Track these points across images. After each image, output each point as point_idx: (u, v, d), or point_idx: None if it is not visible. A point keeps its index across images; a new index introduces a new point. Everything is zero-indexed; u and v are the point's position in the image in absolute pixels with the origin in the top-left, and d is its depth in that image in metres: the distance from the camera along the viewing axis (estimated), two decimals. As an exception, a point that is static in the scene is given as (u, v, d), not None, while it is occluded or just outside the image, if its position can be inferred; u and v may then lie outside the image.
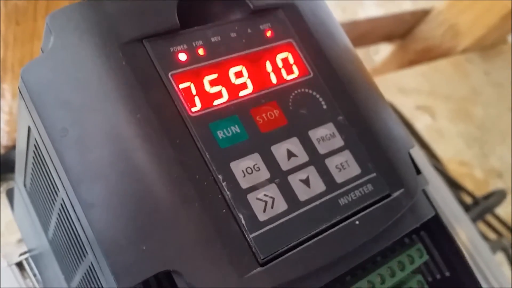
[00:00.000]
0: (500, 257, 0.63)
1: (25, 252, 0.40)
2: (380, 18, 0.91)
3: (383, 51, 1.04)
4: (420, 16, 0.94)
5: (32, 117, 0.22)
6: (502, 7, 0.86)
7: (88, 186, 0.21)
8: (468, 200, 0.66)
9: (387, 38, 0.99)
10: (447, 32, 0.93)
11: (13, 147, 0.54)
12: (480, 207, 0.63)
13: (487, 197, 0.65)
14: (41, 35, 0.43)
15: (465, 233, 0.52)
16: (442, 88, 0.87)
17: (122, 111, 0.21)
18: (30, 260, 0.40)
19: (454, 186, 0.66)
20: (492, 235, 0.66)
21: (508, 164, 0.79)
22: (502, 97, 0.91)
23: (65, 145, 0.21)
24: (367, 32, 0.92)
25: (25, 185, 0.31)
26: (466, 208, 0.62)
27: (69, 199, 0.22)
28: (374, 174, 0.25)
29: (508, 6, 0.85)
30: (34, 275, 0.39)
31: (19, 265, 0.40)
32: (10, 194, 0.40)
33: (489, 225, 0.66)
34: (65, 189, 0.22)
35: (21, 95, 0.22)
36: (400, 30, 0.97)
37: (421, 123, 0.78)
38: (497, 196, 0.65)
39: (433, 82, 0.87)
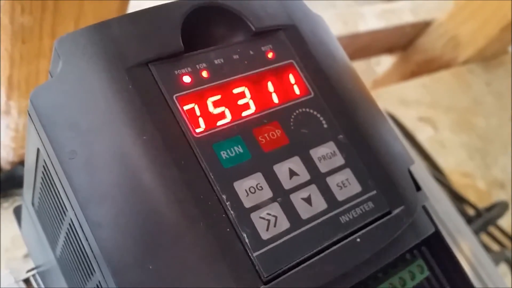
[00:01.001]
0: (504, 268, 0.64)
1: (33, 269, 0.41)
2: (381, 30, 0.92)
3: (384, 63, 1.05)
4: (421, 27, 0.95)
5: (41, 140, 0.23)
6: (503, 18, 0.87)
7: (96, 206, 0.21)
8: (471, 211, 0.67)
9: (389, 50, 1.00)
10: (448, 43, 0.94)
11: (19, 163, 0.54)
12: (482, 219, 0.63)
13: (489, 208, 0.66)
14: (46, 54, 0.44)
15: (468, 245, 0.52)
16: (444, 99, 0.88)
17: (128, 133, 0.22)
18: (37, 277, 0.40)
19: (457, 198, 0.66)
20: (495, 247, 0.66)
21: (510, 175, 0.79)
22: (503, 107, 0.91)
23: (74, 167, 0.22)
24: (369, 44, 0.93)
25: (33, 204, 0.31)
26: (469, 220, 0.63)
27: (77, 219, 0.22)
28: (374, 192, 0.25)
29: (508, 17, 0.86)
30: (41, 291, 0.40)
31: (26, 281, 0.40)
32: (17, 212, 0.40)
33: (492, 236, 0.66)
34: (73, 209, 0.22)
35: (31, 118, 0.23)
36: (401, 42, 0.98)
37: (423, 135, 0.79)
38: (500, 208, 0.65)
39: (435, 93, 0.88)
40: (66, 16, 0.41)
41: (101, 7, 0.41)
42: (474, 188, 0.76)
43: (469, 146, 0.82)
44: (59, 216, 0.26)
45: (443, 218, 0.53)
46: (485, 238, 0.66)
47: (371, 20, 0.88)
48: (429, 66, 0.95)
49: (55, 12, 0.40)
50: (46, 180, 0.26)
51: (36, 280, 0.40)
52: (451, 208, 0.55)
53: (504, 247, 0.66)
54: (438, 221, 0.28)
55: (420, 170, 0.58)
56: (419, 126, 0.81)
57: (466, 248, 0.53)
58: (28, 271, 0.41)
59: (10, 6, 0.37)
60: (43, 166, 0.25)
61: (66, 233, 0.26)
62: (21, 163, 0.54)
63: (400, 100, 0.84)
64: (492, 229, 0.66)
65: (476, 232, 0.61)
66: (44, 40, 0.43)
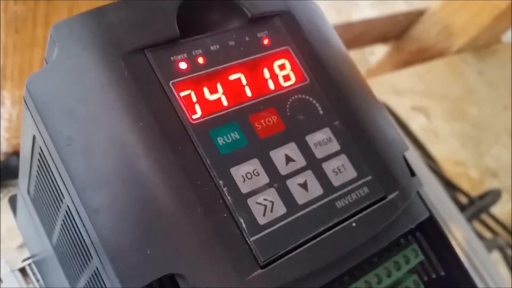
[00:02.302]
0: (496, 256, 0.64)
1: (28, 258, 0.41)
2: (374, 19, 0.92)
3: (378, 52, 1.05)
4: (415, 16, 0.95)
5: (37, 126, 0.23)
6: (496, 7, 0.87)
7: (93, 192, 0.21)
8: (463, 199, 0.67)
9: (382, 39, 1.00)
10: (441, 32, 0.94)
11: (12, 154, 0.54)
12: (475, 207, 0.64)
13: (482, 196, 0.66)
14: (40, 43, 0.44)
15: (461, 233, 0.53)
16: (437, 88, 0.88)
17: (125, 119, 0.22)
18: (33, 266, 0.40)
19: (450, 186, 0.67)
20: (488, 234, 0.67)
21: (503, 163, 0.80)
22: (496, 96, 0.92)
23: (71, 154, 0.22)
24: (362, 34, 0.93)
25: (28, 192, 0.31)
26: (462, 207, 0.63)
27: (75, 206, 0.22)
28: (369, 177, 0.26)
29: (501, 6, 0.86)
30: (37, 280, 0.40)
31: (22, 270, 0.40)
32: (12, 201, 0.40)
33: (485, 224, 0.67)
34: (70, 196, 0.22)
35: (26, 105, 0.23)
36: (395, 31, 0.98)
37: (416, 124, 0.79)
38: (492, 196, 0.65)
39: (428, 82, 0.88)
40: (59, 5, 0.41)
41: (94, -5, 0.40)
42: (466, 176, 0.77)
43: (462, 135, 0.82)
44: (55, 203, 0.26)
45: (436, 206, 0.53)
46: (477, 226, 0.67)
47: (365, 9, 0.88)
48: (422, 55, 0.95)
49: (48, 1, 0.40)
50: (42, 167, 0.25)
51: (32, 269, 0.40)
52: (444, 196, 0.56)
53: (497, 234, 0.66)
54: (431, 208, 0.29)
55: (413, 158, 0.58)
56: (412, 115, 0.81)
57: (459, 236, 0.53)
58: (24, 260, 0.41)
59: (3, -6, 0.37)
60: (39, 154, 0.25)
61: (63, 220, 0.26)
62: (15, 153, 0.54)
63: (393, 89, 0.84)
64: (484, 217, 0.67)
65: (469, 220, 0.62)
66: (38, 29, 0.43)
